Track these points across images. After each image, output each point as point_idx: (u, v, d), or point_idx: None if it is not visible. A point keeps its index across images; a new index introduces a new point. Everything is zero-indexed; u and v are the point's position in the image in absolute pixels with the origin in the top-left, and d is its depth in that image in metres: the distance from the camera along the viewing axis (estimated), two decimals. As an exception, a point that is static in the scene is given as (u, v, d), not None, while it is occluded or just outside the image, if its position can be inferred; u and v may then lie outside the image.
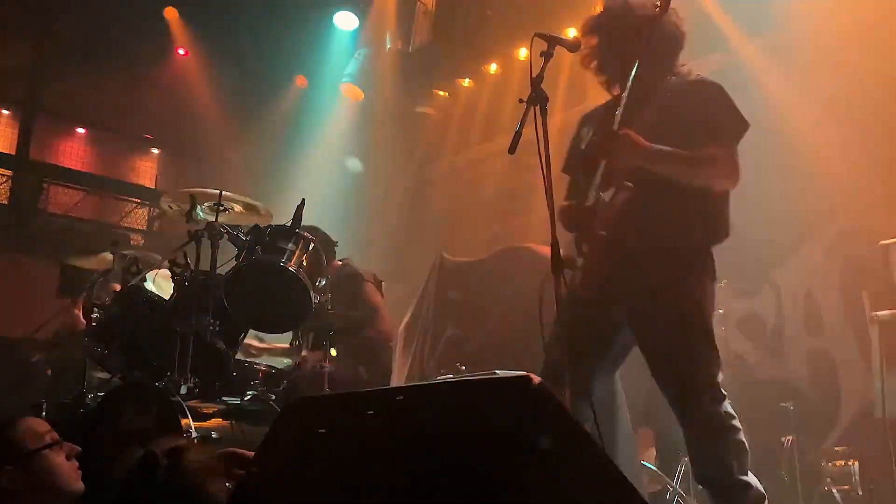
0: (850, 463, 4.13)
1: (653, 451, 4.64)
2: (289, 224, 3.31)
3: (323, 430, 1.56)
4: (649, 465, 4.29)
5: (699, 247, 2.53)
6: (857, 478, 4.05)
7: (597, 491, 1.22)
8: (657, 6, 2.54)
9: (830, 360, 4.92)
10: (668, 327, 2.44)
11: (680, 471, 4.10)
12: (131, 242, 10.06)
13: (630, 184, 2.36)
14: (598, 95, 6.38)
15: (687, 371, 2.44)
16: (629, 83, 2.44)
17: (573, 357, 2.30)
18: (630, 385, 3.62)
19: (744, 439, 2.45)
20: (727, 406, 2.45)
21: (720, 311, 4.73)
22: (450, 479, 1.29)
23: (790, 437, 4.26)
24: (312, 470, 1.52)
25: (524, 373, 1.34)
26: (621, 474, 1.34)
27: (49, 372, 5.20)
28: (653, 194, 2.38)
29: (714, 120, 2.49)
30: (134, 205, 11.08)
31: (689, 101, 2.52)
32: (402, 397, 1.51)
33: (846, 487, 4.04)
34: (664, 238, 2.45)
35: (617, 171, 2.40)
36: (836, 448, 4.36)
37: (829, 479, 4.12)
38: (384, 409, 1.50)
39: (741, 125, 2.50)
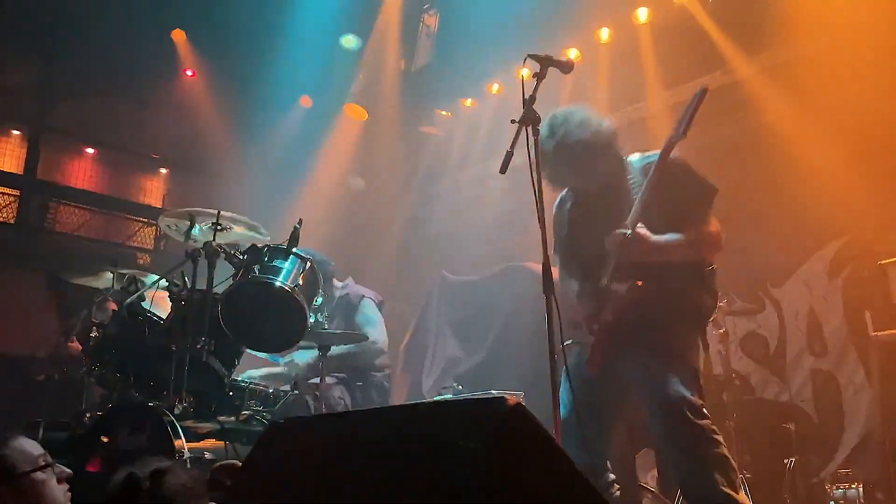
0: (853, 486, 4.07)
1: (654, 473, 4.58)
2: (286, 244, 3.33)
3: (303, 451, 1.56)
4: (650, 488, 4.24)
5: (696, 316, 2.80)
6: (862, 501, 3.99)
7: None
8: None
9: (833, 381, 4.87)
10: (656, 357, 2.66)
11: (680, 494, 4.05)
12: (139, 262, 10.10)
13: (640, 283, 2.66)
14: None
15: (669, 390, 2.57)
16: (645, 191, 2.66)
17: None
18: (634, 408, 3.59)
19: (727, 454, 2.52)
20: (708, 423, 2.55)
21: (721, 330, 4.71)
22: (427, 497, 1.29)
23: (793, 459, 4.20)
24: (293, 488, 1.52)
25: (501, 394, 1.34)
26: (600, 496, 1.33)
27: (54, 391, 5.23)
28: (659, 277, 2.67)
29: (690, 198, 2.75)
30: (141, 224, 11.14)
31: (663, 184, 2.71)
32: (380, 418, 1.51)
33: (850, 511, 3.98)
34: (668, 312, 2.71)
35: (630, 265, 2.66)
36: (839, 471, 4.30)
37: (832, 503, 4.06)
38: (364, 430, 1.50)
39: (711, 192, 2.78)
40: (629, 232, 2.62)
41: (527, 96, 2.62)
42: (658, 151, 2.74)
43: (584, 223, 2.89)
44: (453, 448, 1.30)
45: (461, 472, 1.26)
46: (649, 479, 4.43)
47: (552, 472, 1.26)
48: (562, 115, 2.82)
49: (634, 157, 2.85)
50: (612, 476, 2.83)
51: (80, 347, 3.92)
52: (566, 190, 3.04)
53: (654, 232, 2.66)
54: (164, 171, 11.67)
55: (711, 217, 2.76)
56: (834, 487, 4.14)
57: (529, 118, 2.56)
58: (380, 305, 4.32)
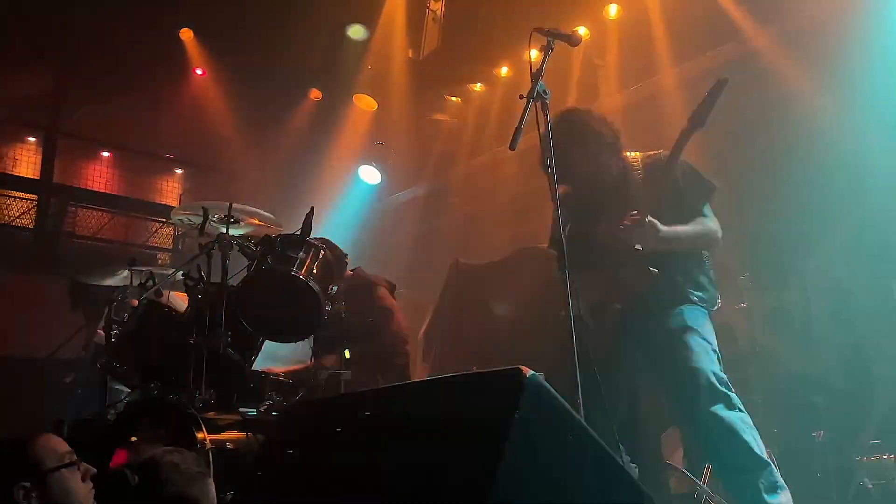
0: (885, 457, 4.00)
1: (680, 452, 4.54)
2: (298, 233, 3.31)
3: (321, 431, 1.54)
4: (677, 466, 4.20)
5: (703, 303, 2.88)
6: (895, 472, 3.91)
7: (592, 477, 1.19)
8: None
9: (862, 352, 4.78)
10: (675, 337, 2.76)
11: (707, 470, 4.00)
12: (159, 261, 10.19)
13: (656, 270, 2.74)
14: (608, 92, 6.31)
15: (695, 365, 2.66)
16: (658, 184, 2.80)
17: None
18: (657, 388, 3.56)
19: (754, 426, 2.60)
20: (735, 396, 2.63)
21: (742, 304, 4.64)
22: (446, 470, 1.26)
23: (822, 432, 4.14)
24: (311, 468, 1.51)
25: (517, 366, 1.31)
26: (618, 463, 1.30)
27: (79, 391, 5.28)
28: (665, 267, 2.78)
29: (695, 194, 2.91)
30: (160, 224, 11.24)
31: (671, 180, 2.86)
32: (397, 396, 1.49)
33: (882, 482, 3.91)
34: (677, 299, 2.83)
35: (638, 255, 2.75)
36: (871, 442, 4.22)
37: (864, 474, 3.99)
38: (380, 408, 1.48)
39: (712, 188, 2.93)
40: (646, 220, 2.73)
41: (534, 71, 2.57)
42: (660, 151, 2.92)
43: (591, 216, 2.99)
44: (471, 421, 1.27)
45: (479, 445, 1.24)
46: (675, 458, 4.39)
47: (571, 442, 1.23)
48: (572, 109, 3.01)
49: (637, 154, 2.98)
50: (626, 457, 2.88)
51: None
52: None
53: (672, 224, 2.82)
54: (179, 171, 11.77)
55: (712, 212, 2.93)
56: (864, 459, 4.07)
57: (538, 93, 2.52)
58: (392, 291, 4.32)
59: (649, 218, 2.72)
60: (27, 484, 1.99)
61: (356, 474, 1.42)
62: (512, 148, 2.45)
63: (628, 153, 2.98)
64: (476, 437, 1.25)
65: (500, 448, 1.21)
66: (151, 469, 1.59)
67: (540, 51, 2.65)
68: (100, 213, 10.66)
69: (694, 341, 2.71)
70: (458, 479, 1.24)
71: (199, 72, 8.64)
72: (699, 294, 2.85)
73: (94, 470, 2.15)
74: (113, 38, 8.23)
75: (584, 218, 3.02)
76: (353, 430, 1.50)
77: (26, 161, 10.18)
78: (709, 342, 2.75)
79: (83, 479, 2.10)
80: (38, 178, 9.71)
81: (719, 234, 2.90)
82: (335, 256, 3.58)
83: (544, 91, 2.53)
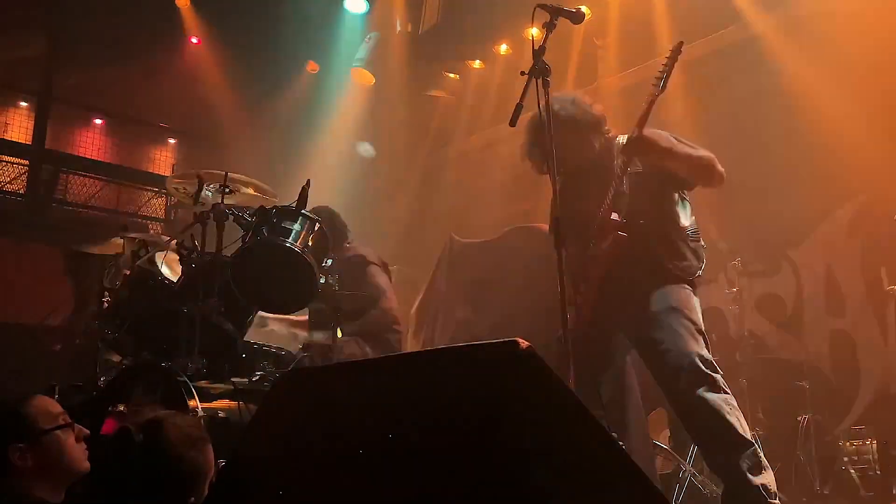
0: (867, 442, 4.06)
1: (667, 432, 4.59)
2: (294, 205, 3.30)
3: (313, 402, 1.55)
4: (663, 446, 4.25)
5: (682, 273, 2.86)
6: (875, 457, 3.98)
7: (586, 451, 1.21)
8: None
9: (850, 339, 4.83)
10: (660, 317, 2.74)
11: (693, 451, 4.06)
12: (151, 231, 10.13)
13: (624, 234, 2.76)
14: (607, 73, 6.28)
15: (680, 346, 2.66)
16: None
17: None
18: (644, 368, 3.58)
19: (738, 407, 2.63)
20: (720, 377, 2.64)
21: (734, 289, 4.67)
22: (439, 442, 1.27)
23: (806, 417, 4.20)
24: (304, 439, 1.52)
25: (513, 338, 1.31)
26: (612, 437, 1.31)
27: (69, 358, 5.28)
28: (641, 238, 2.78)
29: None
30: (152, 194, 11.14)
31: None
32: (389, 367, 1.50)
33: (864, 467, 3.98)
34: (651, 266, 2.84)
35: (610, 223, 2.80)
36: (853, 427, 4.29)
37: (846, 459, 4.06)
38: (373, 379, 1.48)
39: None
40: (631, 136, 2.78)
41: (536, 47, 2.57)
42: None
43: (572, 198, 2.97)
44: (465, 393, 1.28)
45: (473, 417, 1.25)
46: (662, 438, 4.45)
47: (566, 416, 1.24)
48: (555, 95, 2.97)
49: (622, 138, 2.97)
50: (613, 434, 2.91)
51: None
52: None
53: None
54: (172, 140, 11.65)
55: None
56: (847, 444, 4.13)
57: (540, 69, 2.51)
58: (385, 268, 4.31)
59: (640, 133, 2.77)
60: (22, 445, 2.00)
61: (347, 444, 1.43)
62: (512, 124, 2.46)
63: (619, 137, 3.00)
64: (470, 409, 1.26)
65: (494, 421, 1.22)
66: (155, 429, 1.60)
67: (542, 27, 2.65)
68: (91, 181, 10.55)
69: (679, 323, 2.71)
70: (451, 451, 1.25)
71: (194, 40, 8.53)
72: (678, 263, 2.82)
73: (88, 431, 2.16)
74: (108, 2, 8.11)
75: (567, 200, 3.02)
76: (344, 399, 1.51)
77: (18, 125, 10.05)
78: (693, 322, 2.73)
79: (77, 441, 2.11)
80: (30, 143, 9.59)
81: (718, 167, 2.86)
82: (335, 227, 3.56)
83: (546, 68, 2.52)
